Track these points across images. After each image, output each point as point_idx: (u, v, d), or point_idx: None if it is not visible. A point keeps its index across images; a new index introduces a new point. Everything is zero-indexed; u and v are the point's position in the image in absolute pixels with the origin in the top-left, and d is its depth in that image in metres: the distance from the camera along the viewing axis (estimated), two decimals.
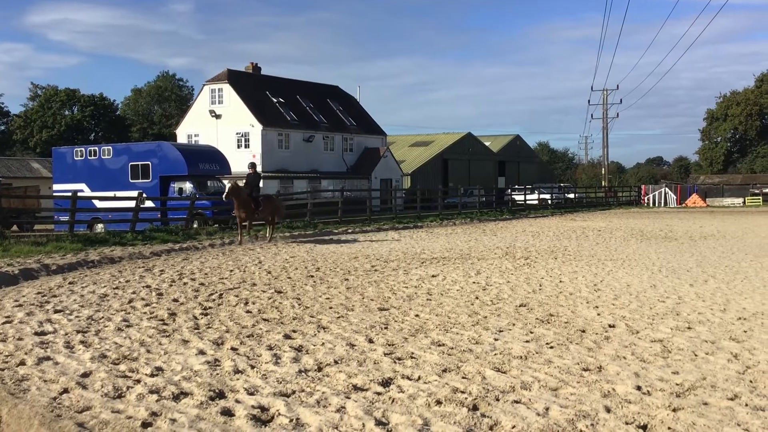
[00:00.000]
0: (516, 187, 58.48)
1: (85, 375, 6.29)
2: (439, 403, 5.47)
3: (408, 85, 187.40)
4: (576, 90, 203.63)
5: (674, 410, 5.32)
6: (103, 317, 9.16)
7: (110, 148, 32.97)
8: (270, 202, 21.96)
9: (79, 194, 23.35)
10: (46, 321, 8.87)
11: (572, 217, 39.64)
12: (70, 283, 12.60)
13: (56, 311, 9.58)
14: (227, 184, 35.11)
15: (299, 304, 10.22)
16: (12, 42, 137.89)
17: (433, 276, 13.50)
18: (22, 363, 6.76)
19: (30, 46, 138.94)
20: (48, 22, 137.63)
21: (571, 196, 56.26)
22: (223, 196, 20.80)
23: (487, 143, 74.57)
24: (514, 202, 49.27)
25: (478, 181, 61.69)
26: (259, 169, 31.20)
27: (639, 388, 5.88)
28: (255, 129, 47.73)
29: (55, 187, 32.88)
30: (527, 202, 49.29)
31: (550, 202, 51.40)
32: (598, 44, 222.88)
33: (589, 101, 76.63)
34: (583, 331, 8.21)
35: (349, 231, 27.04)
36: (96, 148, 33.28)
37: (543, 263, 15.78)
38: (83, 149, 33.48)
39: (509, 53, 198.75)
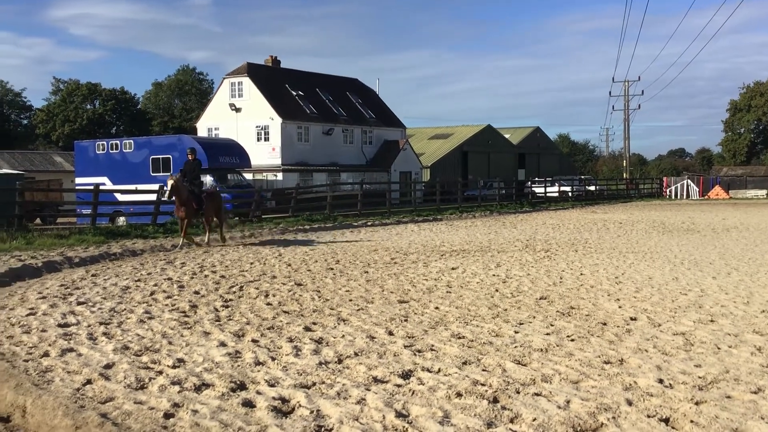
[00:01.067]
0: (536, 179, 58.16)
1: (108, 366, 6.36)
2: (459, 395, 5.47)
3: (427, 77, 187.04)
4: (596, 81, 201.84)
5: (697, 403, 5.27)
6: (125, 309, 9.25)
7: (132, 141, 33.22)
8: (213, 199, 18.68)
9: (101, 187, 23.60)
10: (70, 313, 8.97)
11: (593, 210, 39.38)
12: (92, 275, 12.73)
13: (79, 303, 9.69)
14: (248, 176, 35.06)
15: (319, 297, 10.25)
16: (34, 37, 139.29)
17: (452, 268, 13.47)
18: (46, 354, 6.84)
19: (52, 41, 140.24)
20: (69, 16, 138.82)
21: (592, 188, 55.86)
22: (165, 195, 18.05)
23: (506, 135, 74.18)
24: (534, 195, 49.00)
25: (498, 173, 61.42)
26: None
27: (661, 381, 5.84)
28: (274, 122, 47.85)
29: (78, 180, 33.20)
30: (547, 194, 49.01)
31: (570, 194, 51.06)
32: (618, 35, 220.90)
33: (610, 93, 76.03)
34: (605, 324, 8.16)
35: (369, 223, 27.07)
36: (117, 142, 33.55)
37: (563, 256, 15.69)
38: (105, 143, 33.76)
39: (528, 45, 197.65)
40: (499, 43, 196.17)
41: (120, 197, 27.12)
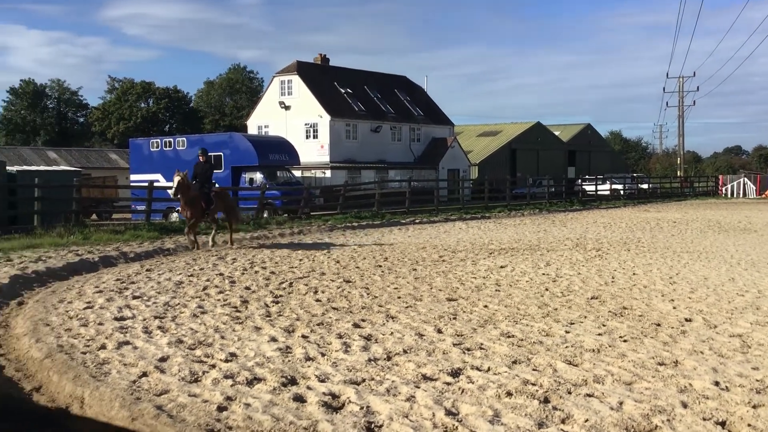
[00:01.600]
0: (587, 177, 57.31)
1: (163, 359, 6.50)
2: (509, 394, 5.43)
3: (475, 74, 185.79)
4: (649, 77, 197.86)
5: (754, 407, 5.14)
6: (179, 304, 9.44)
7: (184, 139, 33.84)
8: (222, 199, 17.54)
9: (155, 184, 24.06)
10: (125, 307, 9.19)
11: (646, 208, 38.62)
12: (147, 270, 13.02)
13: (134, 297, 9.92)
14: (297, 174, 35.36)
15: (368, 294, 10.30)
16: (90, 36, 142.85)
17: (501, 267, 13.38)
18: (103, 347, 7.02)
19: (106, 40, 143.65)
20: (123, 16, 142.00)
21: (645, 186, 54.78)
22: (171, 193, 16.46)
23: (556, 133, 73.27)
24: (585, 193, 48.29)
25: (548, 171, 60.71)
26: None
27: (717, 383, 5.71)
28: (323, 119, 48.17)
29: (132, 177, 33.97)
30: (598, 192, 48.25)
31: (622, 192, 50.17)
32: (673, 30, 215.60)
33: (664, 89, 74.62)
34: (659, 325, 8.01)
35: (417, 221, 27.05)
36: (171, 140, 34.21)
37: (615, 255, 15.44)
38: (159, 140, 34.46)
39: (578, 40, 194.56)
40: (550, 39, 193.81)
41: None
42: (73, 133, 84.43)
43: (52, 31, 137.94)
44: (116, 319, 8.41)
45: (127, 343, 7.18)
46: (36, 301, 9.85)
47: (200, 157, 17.41)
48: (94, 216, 29.83)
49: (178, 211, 26.90)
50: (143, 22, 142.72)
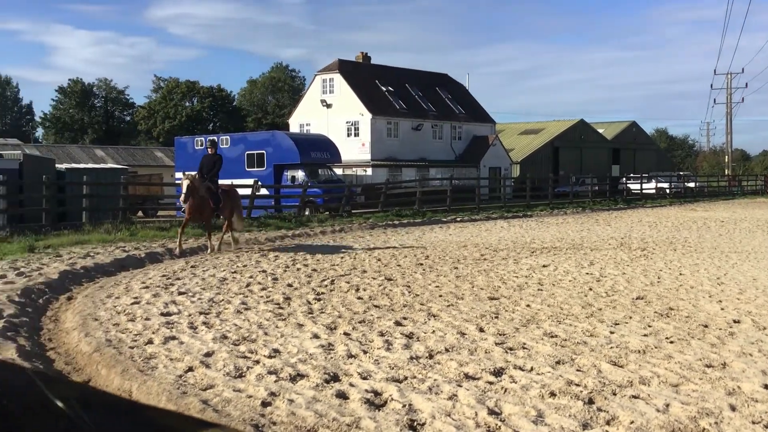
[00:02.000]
0: (631, 175, 56.41)
1: (208, 354, 6.60)
2: (553, 395, 5.39)
3: (517, 71, 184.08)
4: (696, 74, 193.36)
5: None
6: (223, 300, 9.57)
7: (228, 137, 34.26)
8: (229, 197, 16.19)
9: None
10: (171, 302, 9.35)
11: (692, 207, 37.86)
12: (192, 266, 13.22)
13: (180, 293, 10.09)
14: (338, 172, 35.45)
15: (409, 292, 10.30)
16: (136, 36, 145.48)
17: (543, 266, 13.26)
18: (150, 342, 7.16)
19: (152, 40, 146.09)
20: (169, 16, 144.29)
21: (691, 185, 53.70)
22: (181, 199, 15.29)
23: (600, 130, 72.23)
24: (630, 192, 47.55)
25: (591, 169, 59.88)
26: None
27: (767, 386, 5.57)
28: (364, 118, 48.29)
29: (177, 175, 34.47)
30: (643, 191, 47.48)
31: (668, 191, 49.27)
32: (721, 25, 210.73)
33: (711, 86, 72.95)
34: (706, 326, 7.85)
35: (458, 219, 26.96)
36: (215, 138, 34.64)
37: (661, 255, 15.18)
38: (203, 139, 34.94)
39: (623, 36, 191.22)
40: (594, 35, 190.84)
41: None
42: (119, 132, 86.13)
43: (99, 31, 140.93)
44: (162, 314, 8.56)
45: (173, 338, 7.31)
46: (84, 296, 10.08)
47: (209, 149, 16.21)
48: (140, 213, 30.41)
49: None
50: (188, 22, 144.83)
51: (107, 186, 22.08)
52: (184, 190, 14.95)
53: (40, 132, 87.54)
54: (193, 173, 15.58)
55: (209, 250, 15.74)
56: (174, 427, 0.54)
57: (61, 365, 6.70)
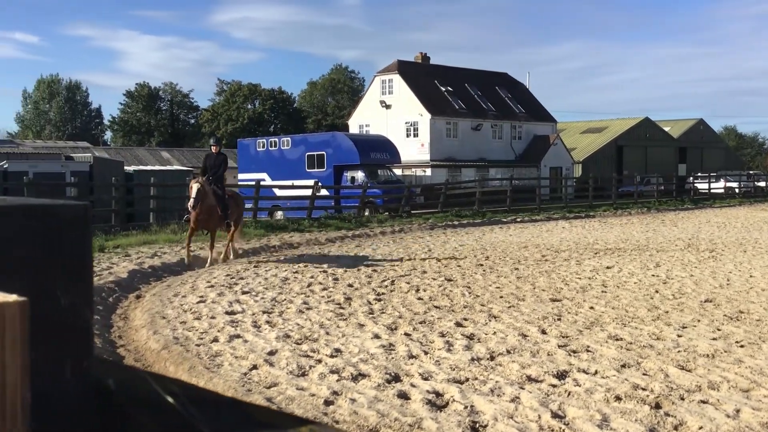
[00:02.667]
0: (699, 174, 54.81)
1: (272, 353, 6.70)
2: (618, 399, 5.29)
3: (580, 69, 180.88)
4: (766, 69, 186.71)
5: None
6: (285, 299, 9.70)
7: (289, 139, 34.71)
8: (236, 203, 14.79)
9: (262, 183, 24.81)
10: (235, 301, 9.53)
11: (763, 207, 36.56)
12: (254, 266, 13.45)
13: (243, 292, 10.28)
14: (397, 172, 35.43)
15: (469, 293, 10.25)
16: (199, 40, 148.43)
17: (607, 267, 13.02)
18: (216, 340, 7.32)
19: (215, 44, 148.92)
20: (230, 20, 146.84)
21: (762, 184, 51.84)
22: (189, 204, 13.52)
23: (666, 128, 70.44)
24: (697, 191, 46.22)
25: (656, 168, 58.45)
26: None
27: None
28: (423, 118, 48.24)
29: (240, 176, 35.14)
30: (711, 190, 46.08)
31: (737, 190, 47.70)
32: None
33: None
34: None
35: (518, 220, 26.69)
36: (276, 140, 35.17)
37: (731, 256, 14.71)
38: (265, 141, 35.50)
39: (691, 32, 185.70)
40: (661, 31, 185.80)
41: (278, 192, 28.42)
42: (184, 134, 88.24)
43: (165, 36, 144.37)
44: (227, 313, 8.74)
45: (237, 336, 7.45)
46: (152, 294, 10.37)
47: (213, 148, 14.47)
48: None
49: (284, 210, 27.61)
50: (249, 26, 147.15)
51: (173, 187, 22.65)
52: (193, 194, 13.17)
53: (108, 135, 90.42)
54: (203, 178, 13.65)
55: (208, 263, 13.55)
56: (273, 424, 0.56)
57: (131, 362, 6.90)
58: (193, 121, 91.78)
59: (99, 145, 67.99)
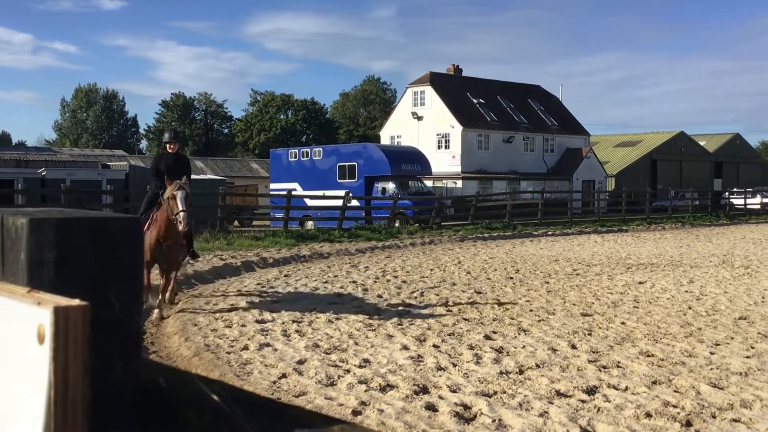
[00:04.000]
0: (735, 189, 53.94)
1: (301, 362, 6.75)
2: (648, 416, 5.24)
3: (614, 81, 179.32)
4: None
5: None
6: (314, 309, 9.77)
7: (320, 149, 34.95)
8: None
9: (293, 193, 24.99)
10: (266, 310, 9.62)
11: None
12: (285, 275, 13.55)
13: (274, 301, 10.36)
14: (428, 184, 35.37)
15: (499, 306, 10.22)
16: (234, 51, 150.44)
17: (640, 283, 12.88)
18: (246, 348, 7.40)
19: (249, 55, 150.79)
20: (265, 31, 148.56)
21: None
22: (179, 220, 8.97)
23: (701, 143, 69.53)
24: (733, 207, 45.45)
25: (691, 183, 57.69)
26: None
27: None
28: (455, 130, 48.23)
29: (272, 186, 35.45)
30: (747, 206, 45.30)
31: None
32: None
33: None
34: None
35: (549, 233, 26.51)
36: (308, 150, 35.43)
37: (766, 273, 14.45)
38: (297, 151, 35.77)
39: (729, 45, 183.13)
40: (697, 44, 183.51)
41: (309, 202, 28.61)
42: (218, 144, 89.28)
43: (200, 46, 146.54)
44: (257, 321, 8.82)
45: (267, 345, 7.52)
46: (185, 302, 10.50)
47: (168, 146, 10.09)
48: (236, 222, 31.39)
49: (315, 219, 27.69)
50: (283, 37, 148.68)
51: (207, 196, 22.94)
52: (181, 205, 8.92)
53: (144, 144, 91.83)
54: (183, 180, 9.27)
55: (156, 314, 9.19)
56: (308, 423, 0.60)
57: None
58: (226, 131, 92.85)
59: (135, 153, 69.09)
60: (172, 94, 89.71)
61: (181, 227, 8.88)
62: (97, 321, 0.53)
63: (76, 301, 0.51)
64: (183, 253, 9.79)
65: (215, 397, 0.57)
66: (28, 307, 0.52)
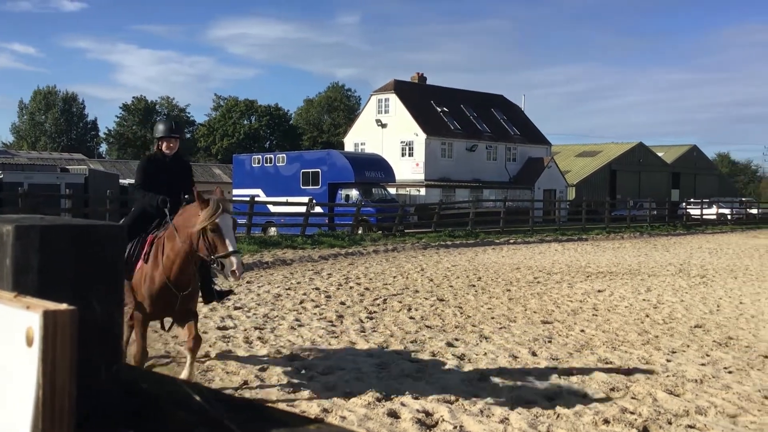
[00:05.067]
0: (692, 200, 55.15)
1: (263, 369, 6.73)
2: (606, 422, 5.34)
3: (576, 92, 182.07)
4: (760, 97, 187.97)
5: None
6: (277, 316, 9.73)
7: (284, 155, 34.84)
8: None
9: (256, 199, 24.85)
10: (227, 317, 9.56)
11: (755, 234, 36.79)
12: (247, 282, 13.47)
13: (236, 308, 10.30)
14: (392, 191, 35.42)
15: (461, 313, 10.30)
16: (197, 55, 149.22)
17: (599, 291, 13.09)
18: (207, 355, 7.34)
19: (212, 59, 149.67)
20: (228, 36, 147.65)
21: (754, 211, 52.15)
22: (232, 268, 5.40)
23: (660, 154, 70.96)
24: (689, 217, 46.47)
25: (649, 193, 58.83)
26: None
27: None
28: (419, 138, 48.49)
29: (234, 191, 35.18)
30: (704, 216, 46.35)
31: (729, 217, 48.00)
32: None
33: None
34: (766, 357, 7.65)
35: (511, 241, 26.79)
36: (271, 156, 35.28)
37: (721, 282, 14.81)
38: (260, 157, 35.60)
39: (690, 58, 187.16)
40: (659, 57, 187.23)
41: (272, 208, 28.48)
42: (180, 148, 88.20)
43: (162, 50, 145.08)
44: (219, 328, 8.76)
45: (229, 351, 7.48)
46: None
47: (164, 143, 6.79)
48: None
49: (278, 226, 27.58)
50: (247, 42, 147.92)
51: None
52: (226, 231, 5.52)
53: (104, 147, 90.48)
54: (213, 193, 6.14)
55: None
56: (285, 422, 0.62)
57: None
58: (188, 135, 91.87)
59: (94, 157, 68.00)
60: (133, 97, 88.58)
61: (233, 278, 5.60)
62: (80, 324, 0.55)
63: (64, 306, 0.53)
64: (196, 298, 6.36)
65: (197, 398, 0.60)
66: (16, 310, 0.54)
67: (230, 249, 5.33)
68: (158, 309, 5.82)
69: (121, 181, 24.73)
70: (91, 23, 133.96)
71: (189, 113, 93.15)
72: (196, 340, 5.99)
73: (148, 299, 5.67)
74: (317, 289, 12.65)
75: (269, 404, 4.18)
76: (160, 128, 6.75)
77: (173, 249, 5.58)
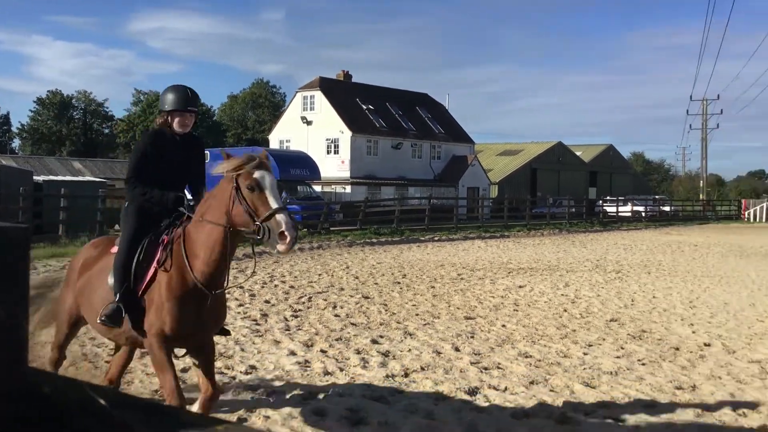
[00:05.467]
0: (608, 198, 57.06)
1: (185, 370, 6.60)
2: (527, 415, 5.47)
3: (498, 92, 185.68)
4: (674, 99, 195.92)
5: None
6: None
7: (207, 152, 34.15)
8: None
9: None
10: None
11: (667, 231, 38.38)
12: None
13: None
14: (317, 189, 35.25)
15: (386, 310, 10.36)
16: (116, 49, 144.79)
17: (520, 287, 13.40)
18: None
19: (132, 53, 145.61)
20: (148, 29, 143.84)
21: (667, 209, 54.36)
22: (287, 236, 4.18)
23: (578, 153, 73.12)
24: (606, 214, 48.07)
25: (568, 191, 60.55)
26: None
27: (734, 409, 5.71)
28: (344, 135, 48.47)
29: None
30: (619, 214, 48.02)
31: (643, 214, 49.88)
32: (698, 52, 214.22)
33: (687, 111, 73.93)
34: (677, 349, 8.00)
35: (436, 238, 27.10)
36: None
37: (635, 278, 15.39)
38: None
39: (605, 60, 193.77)
40: (577, 59, 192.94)
41: None
42: (98, 144, 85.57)
43: (79, 42, 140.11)
44: None
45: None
46: None
47: (177, 120, 5.25)
48: (116, 227, 30.19)
49: None
50: (168, 36, 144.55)
51: (85, 199, 21.95)
52: (286, 226, 4.21)
53: (17, 143, 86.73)
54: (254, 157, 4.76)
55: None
56: (195, 423, 0.61)
57: None
58: (107, 131, 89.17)
59: (6, 153, 65.10)
60: (48, 91, 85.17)
61: (282, 245, 4.19)
62: None
63: None
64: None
65: (102, 402, 0.58)
66: None
67: (274, 206, 4.24)
68: (183, 329, 4.65)
69: (35, 177, 23.76)
70: (2, 13, 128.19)
71: (107, 108, 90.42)
72: (214, 399, 4.76)
73: (168, 316, 4.56)
74: (241, 287, 12.49)
75: (187, 407, 4.10)
76: (170, 98, 5.12)
77: (200, 236, 4.51)
